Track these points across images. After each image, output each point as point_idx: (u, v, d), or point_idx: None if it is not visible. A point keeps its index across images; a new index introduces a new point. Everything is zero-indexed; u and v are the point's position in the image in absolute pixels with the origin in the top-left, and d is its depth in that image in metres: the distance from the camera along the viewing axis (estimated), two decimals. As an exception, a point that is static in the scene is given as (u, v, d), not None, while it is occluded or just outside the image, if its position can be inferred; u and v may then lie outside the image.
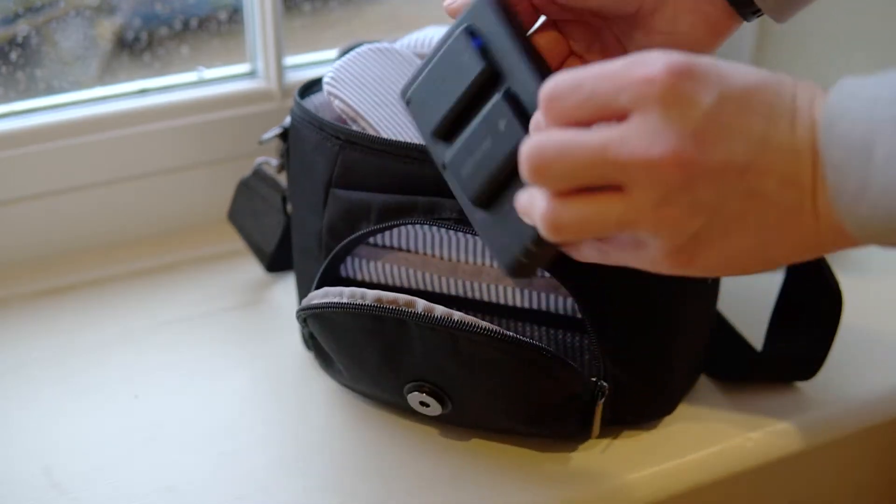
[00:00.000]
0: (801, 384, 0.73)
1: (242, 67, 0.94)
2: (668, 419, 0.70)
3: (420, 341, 0.64)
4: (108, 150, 0.88)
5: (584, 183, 0.49)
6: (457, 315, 0.63)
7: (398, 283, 0.69)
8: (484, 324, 0.63)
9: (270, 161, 0.79)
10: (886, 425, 0.75)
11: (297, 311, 0.68)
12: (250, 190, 0.83)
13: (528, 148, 0.49)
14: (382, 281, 0.69)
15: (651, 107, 0.48)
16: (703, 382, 0.74)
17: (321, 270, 0.69)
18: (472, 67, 0.56)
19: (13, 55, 0.89)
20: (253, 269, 0.87)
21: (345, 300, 0.65)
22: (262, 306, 0.83)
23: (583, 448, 0.68)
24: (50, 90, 0.91)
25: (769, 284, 0.75)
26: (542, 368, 0.63)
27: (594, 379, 0.65)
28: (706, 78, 0.48)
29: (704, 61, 0.49)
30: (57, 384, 0.75)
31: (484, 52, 0.56)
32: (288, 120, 0.74)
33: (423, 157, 0.63)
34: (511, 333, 0.63)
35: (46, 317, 0.82)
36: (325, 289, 0.67)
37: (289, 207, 0.78)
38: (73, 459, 0.68)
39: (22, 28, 0.89)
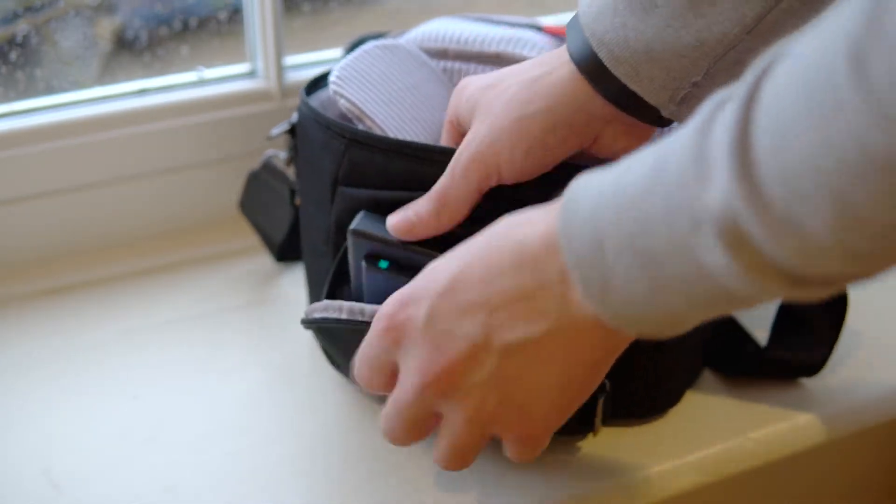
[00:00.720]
0: (803, 384, 0.73)
1: (242, 67, 0.94)
2: (669, 419, 0.70)
3: None
4: (108, 150, 0.88)
5: (424, 428, 0.56)
6: None
7: None
8: None
9: (279, 154, 0.80)
10: (889, 425, 0.75)
11: (301, 321, 0.68)
12: (259, 182, 0.83)
13: (382, 428, 0.58)
14: None
15: (394, 351, 0.55)
16: (705, 382, 0.74)
17: (332, 270, 0.69)
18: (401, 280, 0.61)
19: (13, 55, 0.89)
20: (253, 268, 0.87)
21: (344, 316, 0.65)
22: (263, 306, 0.83)
23: (584, 446, 0.68)
24: (49, 90, 0.91)
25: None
26: None
27: None
28: (416, 298, 0.54)
29: (412, 288, 0.55)
30: (57, 384, 0.75)
31: (393, 267, 0.65)
32: (295, 116, 0.75)
33: (429, 155, 0.64)
34: None
35: (46, 317, 0.82)
36: (326, 302, 0.66)
37: (297, 201, 0.78)
38: (72, 460, 0.68)
39: (21, 28, 0.89)
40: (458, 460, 0.56)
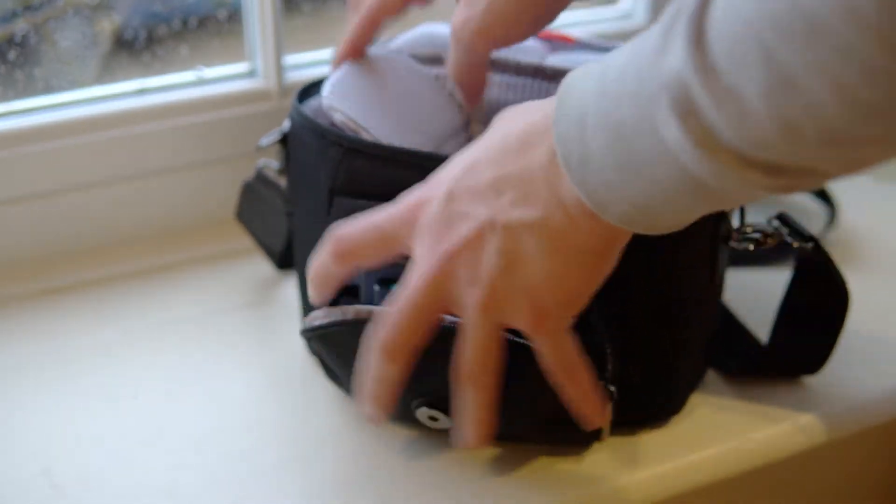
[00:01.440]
0: (803, 385, 0.73)
1: (242, 67, 0.94)
2: (668, 421, 0.70)
3: (429, 354, 0.61)
4: (107, 149, 0.88)
5: (426, 321, 0.57)
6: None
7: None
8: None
9: (271, 164, 0.79)
10: (889, 425, 0.75)
11: (301, 332, 0.67)
12: (253, 192, 0.83)
13: (376, 336, 0.58)
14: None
15: (406, 236, 0.57)
16: (707, 383, 0.74)
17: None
18: None
19: (11, 54, 0.89)
20: (253, 269, 0.87)
21: (350, 317, 0.63)
22: (263, 307, 0.83)
23: (581, 448, 0.68)
24: (48, 89, 0.91)
25: (775, 283, 0.75)
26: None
27: (602, 383, 0.64)
28: (435, 187, 0.56)
29: (433, 177, 0.57)
30: (57, 384, 0.74)
31: None
32: (287, 124, 0.74)
33: (428, 164, 0.62)
34: (524, 341, 0.61)
35: (46, 317, 0.82)
36: (325, 309, 0.65)
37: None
38: (72, 460, 0.68)
39: (20, 27, 0.89)
40: (482, 365, 0.56)
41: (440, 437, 0.69)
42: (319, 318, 0.65)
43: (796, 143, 0.42)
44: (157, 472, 0.67)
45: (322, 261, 0.60)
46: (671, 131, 0.45)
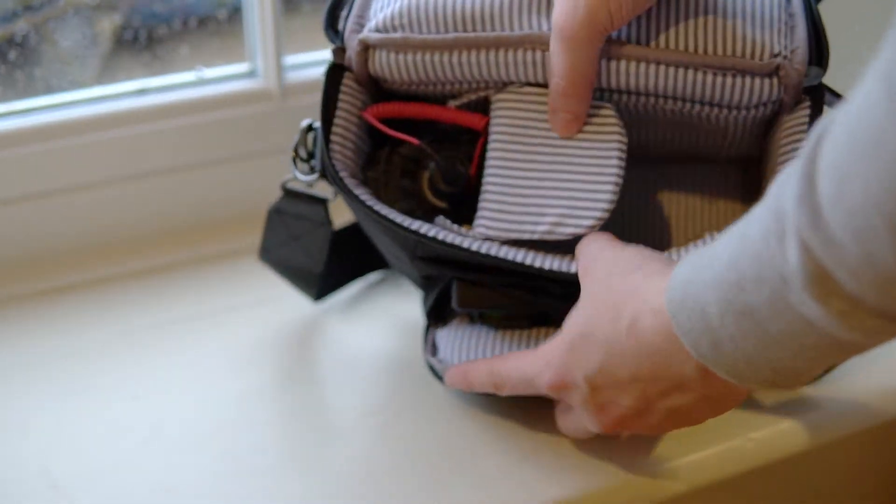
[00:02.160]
0: (802, 384, 0.73)
1: (242, 67, 0.94)
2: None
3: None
4: (108, 149, 0.88)
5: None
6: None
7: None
8: None
9: (297, 175, 0.74)
10: (888, 425, 0.74)
11: (430, 371, 0.72)
12: (283, 214, 0.78)
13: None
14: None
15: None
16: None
17: (430, 304, 0.72)
18: None
19: (12, 54, 0.89)
20: (254, 269, 0.87)
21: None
22: (264, 306, 0.83)
23: (582, 449, 0.68)
24: (49, 89, 0.91)
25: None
26: None
27: None
28: (570, 381, 0.60)
29: (564, 364, 0.61)
30: (56, 384, 0.74)
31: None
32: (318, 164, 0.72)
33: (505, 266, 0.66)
34: None
35: (46, 317, 0.82)
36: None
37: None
38: (72, 460, 0.68)
39: (21, 27, 0.89)
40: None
41: (438, 438, 0.69)
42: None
43: None
44: (157, 472, 0.67)
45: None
46: (810, 309, 0.46)
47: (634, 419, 0.60)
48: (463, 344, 0.70)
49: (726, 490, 0.69)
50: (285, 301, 0.83)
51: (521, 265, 0.65)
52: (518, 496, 0.65)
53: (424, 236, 0.66)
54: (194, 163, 0.91)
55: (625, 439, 0.67)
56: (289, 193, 0.78)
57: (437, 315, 0.73)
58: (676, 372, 0.56)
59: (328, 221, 0.77)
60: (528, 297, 0.67)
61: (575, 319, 0.60)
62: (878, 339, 0.47)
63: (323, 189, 0.75)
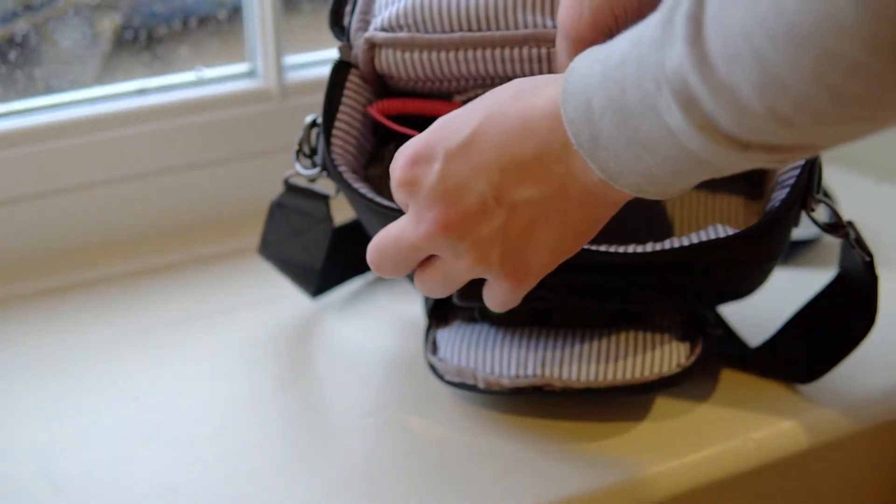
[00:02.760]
0: (804, 384, 0.73)
1: (242, 67, 0.94)
2: (668, 419, 0.70)
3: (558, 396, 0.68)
4: (108, 149, 0.88)
5: (412, 265, 0.60)
6: (594, 384, 0.67)
7: None
8: (619, 380, 0.67)
9: (299, 170, 0.75)
10: (888, 425, 0.75)
11: (430, 369, 0.71)
12: (285, 209, 0.79)
13: (368, 251, 0.61)
14: None
15: (404, 197, 0.58)
16: (705, 383, 0.73)
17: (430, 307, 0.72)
18: None
19: (12, 54, 0.89)
20: (254, 268, 0.87)
21: (481, 386, 0.68)
22: (264, 306, 0.83)
23: (582, 448, 0.68)
24: (49, 89, 0.91)
25: (778, 292, 0.75)
26: (668, 383, 0.69)
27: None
28: (429, 154, 0.57)
29: (426, 141, 0.58)
30: (56, 384, 0.74)
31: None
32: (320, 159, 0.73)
33: None
34: (644, 380, 0.68)
35: (46, 317, 0.82)
36: (458, 366, 0.69)
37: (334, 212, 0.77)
38: (72, 460, 0.68)
39: (21, 27, 0.89)
40: (444, 292, 0.60)
41: (439, 438, 0.69)
42: (451, 373, 0.70)
43: (790, 129, 0.45)
44: (157, 472, 0.67)
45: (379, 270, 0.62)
46: (674, 119, 0.47)
47: (475, 220, 0.56)
48: (464, 343, 0.70)
49: (726, 490, 0.70)
50: (285, 301, 0.83)
51: None
52: (518, 496, 0.65)
53: None
54: (194, 163, 0.92)
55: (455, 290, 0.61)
56: (291, 188, 0.78)
57: (439, 315, 0.73)
58: (545, 167, 0.55)
59: (329, 218, 0.78)
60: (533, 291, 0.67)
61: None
62: (727, 162, 0.49)
63: (325, 186, 0.76)
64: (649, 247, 0.65)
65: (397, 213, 0.64)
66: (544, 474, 0.66)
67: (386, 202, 0.67)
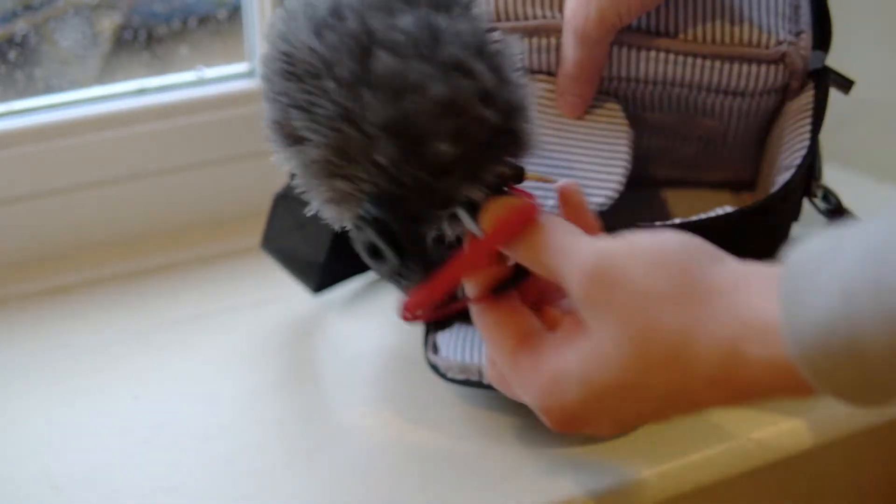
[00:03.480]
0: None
1: (241, 67, 0.94)
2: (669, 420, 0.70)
3: None
4: (107, 149, 0.88)
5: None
6: None
7: None
8: None
9: None
10: (889, 425, 0.75)
11: (430, 368, 0.70)
12: (290, 200, 0.78)
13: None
14: None
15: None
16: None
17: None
18: None
19: (11, 54, 0.89)
20: (254, 268, 0.87)
21: (486, 381, 0.67)
22: (264, 306, 0.83)
23: (582, 449, 0.68)
24: (48, 89, 0.91)
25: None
26: None
27: None
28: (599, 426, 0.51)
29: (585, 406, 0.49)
30: (56, 384, 0.75)
31: None
32: None
33: None
34: None
35: (46, 317, 0.82)
36: (461, 363, 0.68)
37: None
38: (72, 460, 0.68)
39: (20, 27, 0.89)
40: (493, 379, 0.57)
41: (437, 438, 0.69)
42: (454, 370, 0.69)
43: None
44: (158, 472, 0.67)
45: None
46: None
47: (593, 428, 0.51)
48: (466, 341, 0.70)
49: (726, 490, 0.70)
50: (286, 301, 0.83)
51: None
52: (518, 496, 0.65)
53: None
54: (194, 163, 0.92)
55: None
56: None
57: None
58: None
59: None
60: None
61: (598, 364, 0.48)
62: None
63: None
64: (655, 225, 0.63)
65: None
66: (544, 475, 0.66)
67: None
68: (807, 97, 0.69)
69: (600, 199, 0.66)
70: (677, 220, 0.64)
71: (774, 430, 0.70)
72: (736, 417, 0.71)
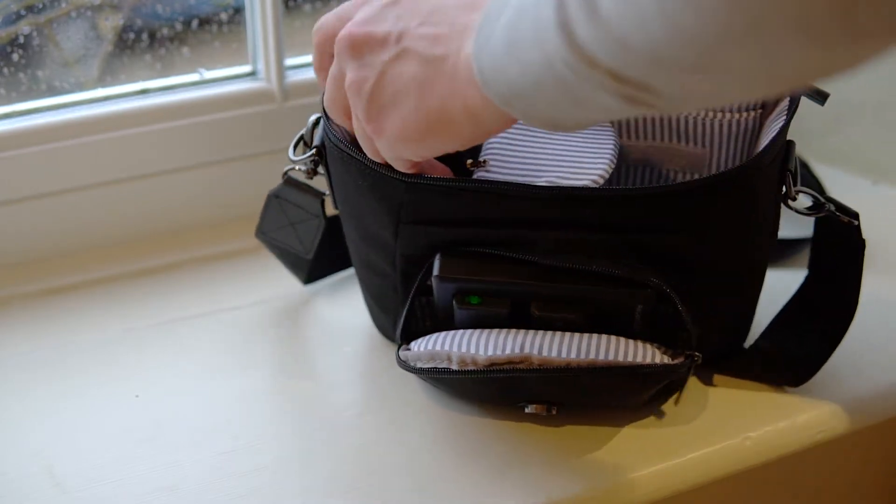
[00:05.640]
0: (801, 383, 0.73)
1: (243, 68, 0.94)
2: (668, 419, 0.70)
3: (535, 381, 0.66)
4: (109, 150, 0.89)
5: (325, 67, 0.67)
6: (574, 361, 0.64)
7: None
8: (601, 360, 0.64)
9: (291, 157, 0.76)
10: (888, 424, 0.75)
11: (400, 364, 0.69)
12: (282, 201, 0.80)
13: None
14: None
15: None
16: (703, 382, 0.74)
17: (406, 308, 0.71)
18: None
19: (15, 56, 0.89)
20: (254, 268, 0.87)
21: (454, 367, 0.66)
22: (264, 306, 0.83)
23: (578, 448, 0.68)
24: (51, 91, 0.91)
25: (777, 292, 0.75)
26: (650, 379, 0.66)
27: (689, 353, 0.67)
28: None
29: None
30: (58, 384, 0.75)
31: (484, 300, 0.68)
32: (319, 139, 0.73)
33: (495, 189, 0.66)
34: (626, 363, 0.64)
35: (46, 317, 0.82)
36: (431, 350, 0.67)
37: (328, 209, 0.78)
38: (74, 459, 0.68)
39: (23, 28, 0.90)
40: (330, 102, 0.67)
41: (437, 434, 0.69)
42: (423, 359, 0.68)
43: (628, 55, 0.45)
44: (159, 471, 0.67)
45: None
46: (545, 13, 0.48)
47: (374, 44, 0.62)
48: (438, 337, 0.69)
49: (725, 489, 0.70)
50: (285, 301, 0.83)
51: (517, 185, 0.66)
52: (515, 495, 0.65)
53: (419, 176, 0.66)
54: (195, 163, 0.92)
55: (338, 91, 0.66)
56: (289, 181, 0.79)
57: (409, 335, 0.72)
58: (448, 35, 0.59)
59: (323, 215, 0.79)
60: (512, 269, 0.67)
61: None
62: (580, 84, 0.49)
63: (321, 185, 0.77)
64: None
65: (389, 177, 0.66)
66: (542, 474, 0.66)
67: (378, 167, 0.68)
68: (781, 109, 0.70)
69: (589, 181, 0.68)
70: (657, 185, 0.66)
71: (770, 429, 0.70)
72: (732, 416, 0.71)
